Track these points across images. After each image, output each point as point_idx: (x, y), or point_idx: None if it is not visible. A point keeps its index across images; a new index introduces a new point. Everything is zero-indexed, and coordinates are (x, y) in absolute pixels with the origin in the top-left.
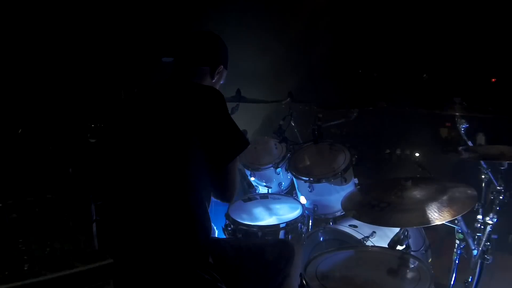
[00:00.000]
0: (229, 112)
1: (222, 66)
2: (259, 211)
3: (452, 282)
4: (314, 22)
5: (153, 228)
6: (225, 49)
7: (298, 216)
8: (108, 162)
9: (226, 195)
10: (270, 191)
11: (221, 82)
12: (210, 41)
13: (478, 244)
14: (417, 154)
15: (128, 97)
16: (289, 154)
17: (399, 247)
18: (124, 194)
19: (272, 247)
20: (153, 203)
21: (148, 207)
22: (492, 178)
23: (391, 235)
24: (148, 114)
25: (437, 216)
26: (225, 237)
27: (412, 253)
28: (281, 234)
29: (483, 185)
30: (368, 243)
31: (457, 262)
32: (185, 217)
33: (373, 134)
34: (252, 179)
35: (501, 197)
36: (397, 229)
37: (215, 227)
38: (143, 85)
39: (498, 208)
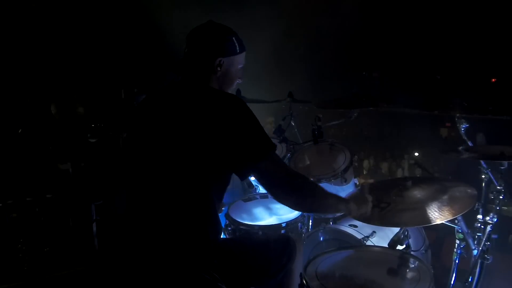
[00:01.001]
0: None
1: (219, 59)
2: (259, 211)
3: (452, 282)
4: (316, 22)
5: (160, 229)
6: (216, 39)
7: (298, 216)
8: (123, 162)
9: (275, 195)
10: None
11: (240, 66)
12: (197, 40)
13: (478, 244)
14: (416, 154)
15: (145, 99)
16: (289, 154)
17: (399, 247)
18: (136, 194)
19: (275, 243)
20: (164, 204)
21: (159, 208)
22: (492, 178)
23: (391, 235)
24: (165, 117)
25: (438, 215)
26: (226, 236)
27: (412, 253)
28: None
29: (483, 185)
30: (368, 243)
31: (457, 262)
32: (195, 219)
33: (373, 134)
34: (252, 178)
35: (501, 197)
36: (397, 229)
37: None
38: (146, 85)
39: (498, 208)
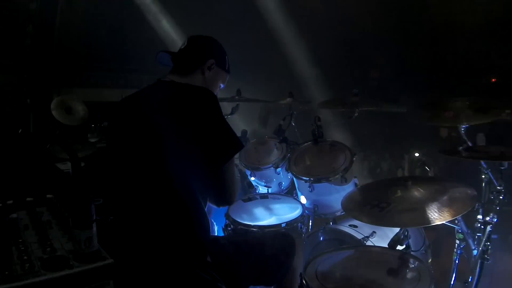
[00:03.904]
0: (228, 112)
1: (213, 61)
2: (259, 211)
3: (452, 282)
4: (316, 22)
5: (150, 228)
6: (216, 46)
7: (298, 216)
8: (107, 164)
9: (224, 198)
10: (269, 191)
11: (221, 86)
12: (198, 40)
13: (478, 244)
14: (416, 154)
15: (123, 99)
16: (289, 154)
17: (399, 247)
18: (122, 195)
19: (272, 241)
20: (149, 204)
21: (145, 208)
22: (492, 178)
23: (391, 235)
24: (142, 116)
25: (437, 216)
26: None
27: (412, 253)
28: None
29: (483, 185)
30: (368, 243)
31: (457, 262)
32: (182, 217)
33: (373, 134)
34: (252, 179)
35: (501, 197)
36: (397, 229)
37: (214, 223)
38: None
39: (498, 208)
